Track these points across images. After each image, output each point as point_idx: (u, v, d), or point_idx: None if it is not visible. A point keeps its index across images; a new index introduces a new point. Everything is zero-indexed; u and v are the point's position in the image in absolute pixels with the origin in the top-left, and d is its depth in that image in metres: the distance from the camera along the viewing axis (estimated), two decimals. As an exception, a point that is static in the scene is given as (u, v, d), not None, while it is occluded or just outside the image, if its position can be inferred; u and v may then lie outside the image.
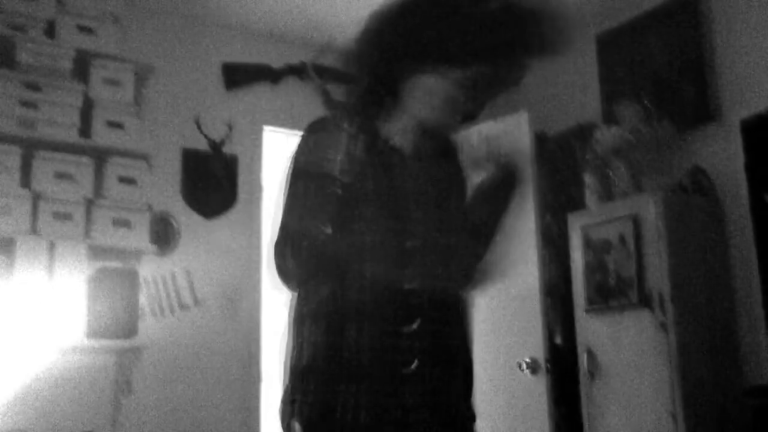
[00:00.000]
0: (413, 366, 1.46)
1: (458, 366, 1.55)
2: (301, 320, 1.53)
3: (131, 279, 3.33)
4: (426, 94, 1.53)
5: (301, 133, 1.59)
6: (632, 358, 3.34)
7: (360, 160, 1.47)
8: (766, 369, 3.20)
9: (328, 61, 4.26)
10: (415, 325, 1.47)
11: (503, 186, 1.72)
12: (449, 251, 1.56)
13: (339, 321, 1.46)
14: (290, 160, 1.55)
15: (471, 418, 1.58)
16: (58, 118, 3.32)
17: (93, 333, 3.19)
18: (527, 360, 3.70)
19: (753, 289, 3.29)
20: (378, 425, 1.44)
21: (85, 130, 3.40)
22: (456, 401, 1.53)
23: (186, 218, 3.88)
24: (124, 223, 3.36)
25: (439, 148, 1.65)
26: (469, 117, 1.58)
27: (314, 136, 1.53)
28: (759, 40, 3.46)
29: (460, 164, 1.70)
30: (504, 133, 3.63)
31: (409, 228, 1.51)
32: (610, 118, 3.90)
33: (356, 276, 1.47)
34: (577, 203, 3.89)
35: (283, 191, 1.54)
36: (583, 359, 3.52)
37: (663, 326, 3.22)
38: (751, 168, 3.30)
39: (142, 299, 3.51)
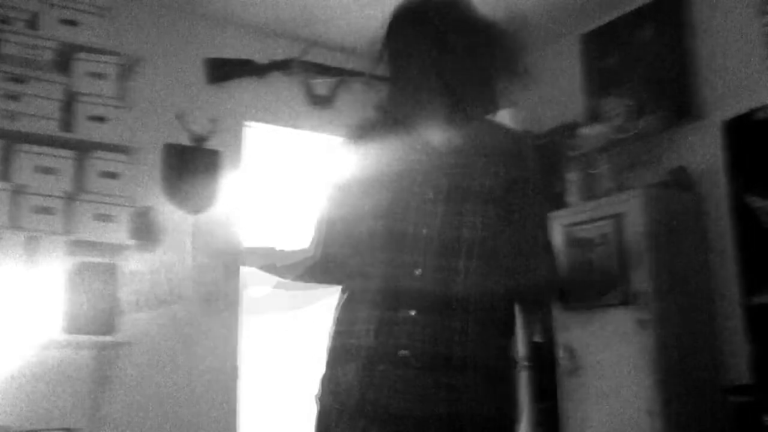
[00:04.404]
0: (402, 353, 1.46)
1: (455, 370, 1.48)
2: (336, 305, 1.63)
3: (112, 274, 3.31)
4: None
5: (282, 127, 1.63)
6: (613, 355, 3.35)
7: (399, 159, 1.59)
8: (745, 367, 3.22)
9: (314, 56, 4.25)
10: (411, 313, 1.48)
11: None
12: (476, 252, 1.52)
13: (354, 305, 1.56)
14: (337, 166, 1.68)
15: (461, 416, 1.48)
16: (39, 111, 3.29)
17: (72, 328, 3.16)
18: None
19: (732, 288, 3.31)
20: (371, 410, 1.46)
21: (66, 124, 3.37)
22: (446, 407, 1.46)
23: (168, 213, 3.85)
24: (106, 218, 3.34)
25: (485, 147, 1.61)
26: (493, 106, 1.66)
27: (362, 143, 1.66)
28: (742, 41, 3.48)
29: (508, 165, 1.60)
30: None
31: (423, 220, 1.52)
32: (593, 116, 3.91)
33: (368, 264, 1.55)
34: (560, 202, 3.90)
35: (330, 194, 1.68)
36: (561, 357, 3.53)
37: (644, 324, 3.24)
38: (732, 168, 3.32)
39: (123, 294, 3.48)
